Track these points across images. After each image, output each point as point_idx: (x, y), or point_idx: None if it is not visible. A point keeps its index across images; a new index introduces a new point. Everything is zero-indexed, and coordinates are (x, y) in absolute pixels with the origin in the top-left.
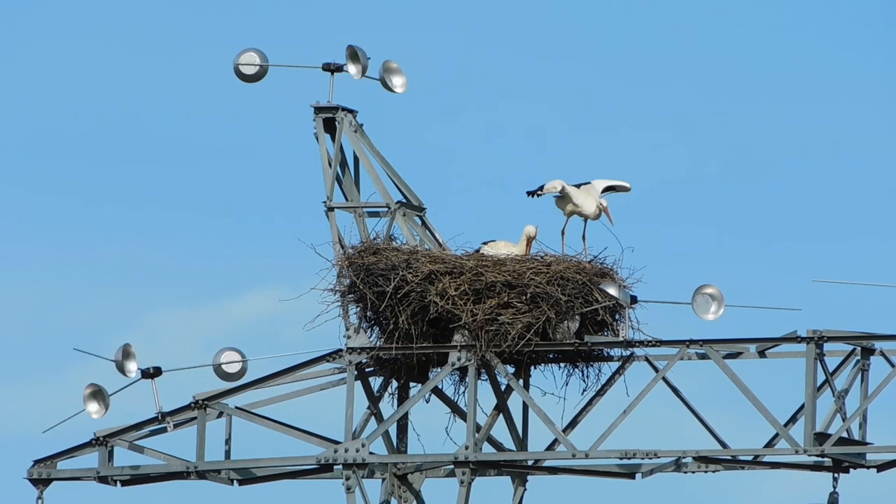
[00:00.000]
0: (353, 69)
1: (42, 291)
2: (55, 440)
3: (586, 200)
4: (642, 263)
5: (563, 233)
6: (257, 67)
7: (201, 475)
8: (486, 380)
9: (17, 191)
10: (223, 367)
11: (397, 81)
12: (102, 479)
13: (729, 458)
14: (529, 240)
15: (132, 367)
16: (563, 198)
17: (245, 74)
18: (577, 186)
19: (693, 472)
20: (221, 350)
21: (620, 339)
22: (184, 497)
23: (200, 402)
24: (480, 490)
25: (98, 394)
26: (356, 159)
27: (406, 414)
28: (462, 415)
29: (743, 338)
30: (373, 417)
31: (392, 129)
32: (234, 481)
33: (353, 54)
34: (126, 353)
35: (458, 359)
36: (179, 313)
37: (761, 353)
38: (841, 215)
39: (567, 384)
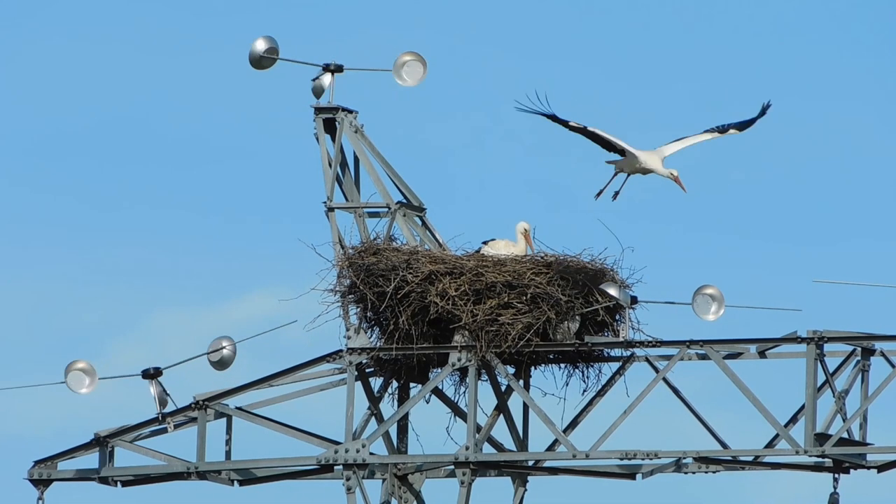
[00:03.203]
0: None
1: (43, 292)
2: (55, 440)
3: (651, 158)
4: (642, 263)
5: (616, 194)
6: (270, 57)
7: (202, 475)
8: (486, 380)
9: (18, 191)
10: (215, 353)
11: (409, 77)
12: (103, 480)
13: (729, 458)
14: (525, 233)
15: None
16: (624, 159)
17: (258, 55)
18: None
19: (693, 473)
20: (215, 339)
21: (621, 339)
22: (184, 497)
23: (201, 402)
24: (481, 490)
25: (87, 370)
26: (356, 160)
27: (406, 414)
28: (462, 415)
29: (743, 338)
30: (373, 418)
31: (392, 129)
32: (235, 482)
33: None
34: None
35: (459, 359)
36: (179, 313)
37: (761, 354)
38: (841, 215)
39: (567, 384)
